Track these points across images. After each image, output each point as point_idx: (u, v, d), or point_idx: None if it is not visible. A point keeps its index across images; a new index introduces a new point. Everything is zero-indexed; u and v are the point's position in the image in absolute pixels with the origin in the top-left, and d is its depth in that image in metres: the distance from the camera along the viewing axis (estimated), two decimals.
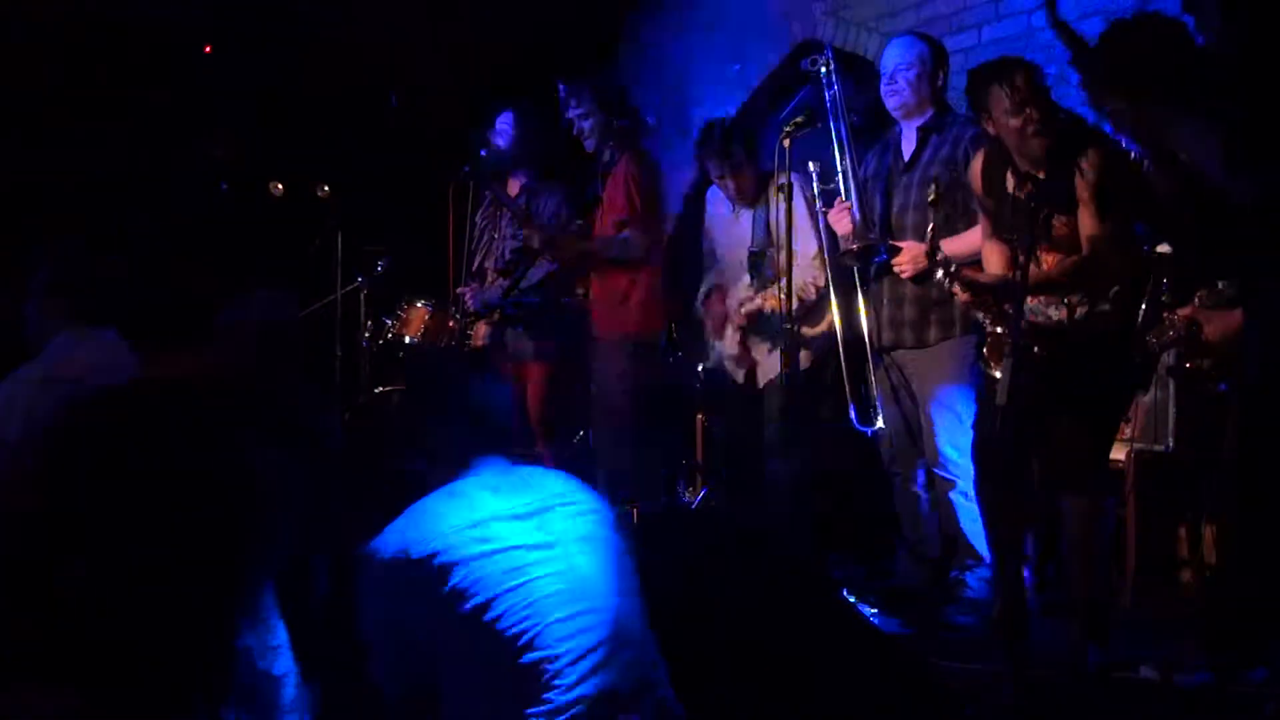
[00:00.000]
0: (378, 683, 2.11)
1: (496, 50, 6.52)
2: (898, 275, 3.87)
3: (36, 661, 1.20)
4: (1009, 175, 3.29)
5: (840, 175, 4.00)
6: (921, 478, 4.05)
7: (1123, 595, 3.92)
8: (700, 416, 6.09)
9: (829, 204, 4.06)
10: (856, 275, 4.04)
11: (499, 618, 2.01)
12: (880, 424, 4.08)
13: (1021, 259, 3.17)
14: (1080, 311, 3.20)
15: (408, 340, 5.36)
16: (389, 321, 5.48)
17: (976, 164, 3.44)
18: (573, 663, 2.01)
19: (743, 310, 4.42)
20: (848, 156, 4.00)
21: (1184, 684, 2.96)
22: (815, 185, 4.13)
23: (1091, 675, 3.10)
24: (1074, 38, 3.14)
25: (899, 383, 4.04)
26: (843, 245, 3.98)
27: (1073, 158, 3.18)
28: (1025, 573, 3.40)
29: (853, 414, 4.12)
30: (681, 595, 2.35)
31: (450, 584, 2.02)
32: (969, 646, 3.36)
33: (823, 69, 4.04)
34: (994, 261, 3.43)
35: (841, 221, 3.96)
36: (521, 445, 5.05)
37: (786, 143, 3.95)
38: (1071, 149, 3.19)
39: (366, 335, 5.59)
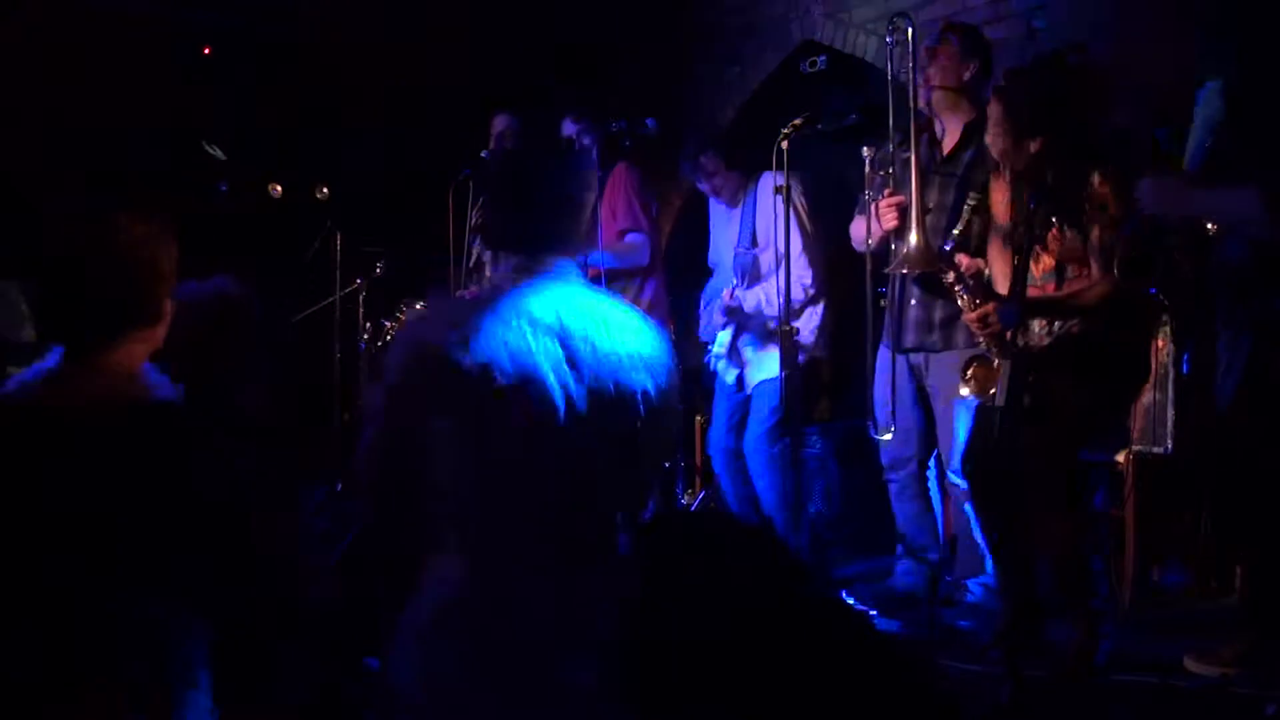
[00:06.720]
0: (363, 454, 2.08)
1: (495, 51, 6.53)
2: (929, 276, 3.69)
3: None
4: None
5: (895, 166, 3.74)
6: (927, 481, 4.03)
7: (1123, 595, 3.92)
8: (699, 417, 6.10)
9: (877, 191, 3.82)
10: (893, 278, 3.88)
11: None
12: (889, 432, 3.95)
13: (1018, 262, 3.16)
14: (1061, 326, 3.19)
15: None
16: (388, 323, 5.47)
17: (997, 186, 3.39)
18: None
19: (722, 301, 4.42)
20: (908, 150, 3.72)
21: (1184, 684, 2.96)
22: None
23: (1091, 675, 3.10)
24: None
25: (916, 385, 3.97)
26: (894, 258, 3.73)
27: (1086, 169, 3.16)
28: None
29: (875, 419, 4.01)
30: (680, 596, 2.34)
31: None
32: (969, 647, 3.35)
33: (894, 39, 3.82)
34: (997, 268, 3.41)
35: (889, 216, 3.71)
36: None
37: (784, 144, 3.93)
38: (1084, 161, 3.17)
39: (365, 337, 5.59)
